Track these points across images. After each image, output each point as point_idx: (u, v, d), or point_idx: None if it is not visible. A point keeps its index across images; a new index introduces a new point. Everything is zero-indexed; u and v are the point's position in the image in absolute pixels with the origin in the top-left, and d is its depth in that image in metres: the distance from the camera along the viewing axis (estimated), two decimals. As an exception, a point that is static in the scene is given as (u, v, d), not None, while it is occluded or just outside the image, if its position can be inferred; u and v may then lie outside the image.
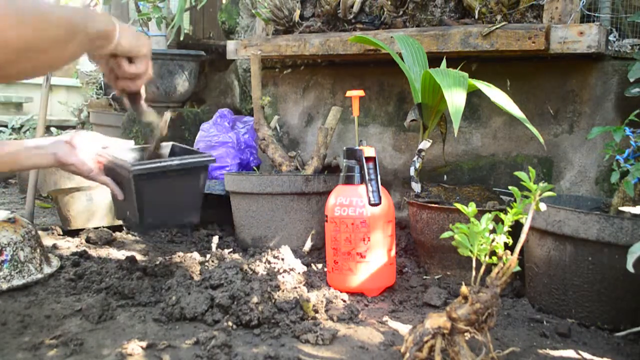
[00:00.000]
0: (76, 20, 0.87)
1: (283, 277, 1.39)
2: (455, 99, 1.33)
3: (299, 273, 1.46)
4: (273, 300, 1.26)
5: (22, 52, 0.76)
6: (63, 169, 1.32)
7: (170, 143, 1.53)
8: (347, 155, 1.47)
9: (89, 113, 3.57)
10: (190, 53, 2.78)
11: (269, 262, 1.47)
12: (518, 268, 0.97)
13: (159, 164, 1.33)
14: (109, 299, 1.27)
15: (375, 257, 1.41)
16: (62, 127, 4.17)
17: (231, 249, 1.76)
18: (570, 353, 1.13)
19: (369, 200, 1.41)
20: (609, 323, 1.24)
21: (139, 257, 1.70)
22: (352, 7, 1.98)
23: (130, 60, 1.08)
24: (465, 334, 0.96)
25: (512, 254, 0.97)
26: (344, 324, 1.23)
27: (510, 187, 1.03)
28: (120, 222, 2.01)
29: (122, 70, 1.08)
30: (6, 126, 4.27)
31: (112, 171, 1.35)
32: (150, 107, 1.28)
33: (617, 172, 1.32)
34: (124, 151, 1.45)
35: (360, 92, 1.58)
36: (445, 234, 1.05)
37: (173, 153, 1.50)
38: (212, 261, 1.56)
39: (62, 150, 1.29)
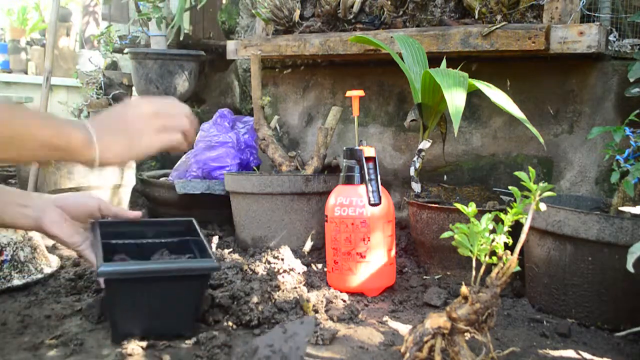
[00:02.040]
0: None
1: (283, 277, 1.39)
2: (455, 99, 1.33)
3: (299, 273, 1.46)
4: (273, 300, 1.26)
5: None
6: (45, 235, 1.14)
7: (186, 220, 1.30)
8: (347, 155, 1.47)
9: (89, 113, 3.57)
10: (190, 53, 2.78)
11: (269, 262, 1.47)
12: (518, 268, 0.97)
13: (137, 267, 1.08)
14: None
15: (375, 257, 1.41)
16: (62, 127, 4.16)
17: (231, 249, 1.76)
18: (570, 353, 1.13)
19: (369, 200, 1.41)
20: (609, 323, 1.24)
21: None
22: (352, 7, 1.98)
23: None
24: (465, 334, 0.96)
25: (512, 254, 0.97)
26: (344, 324, 1.23)
27: (510, 187, 1.03)
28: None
29: None
30: (6, 126, 4.26)
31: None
32: None
33: (617, 172, 1.32)
34: (126, 224, 1.25)
35: (360, 92, 1.58)
36: (445, 234, 1.05)
37: (186, 232, 1.27)
38: (212, 261, 1.56)
39: (48, 217, 1.12)
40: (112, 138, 0.97)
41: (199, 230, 1.24)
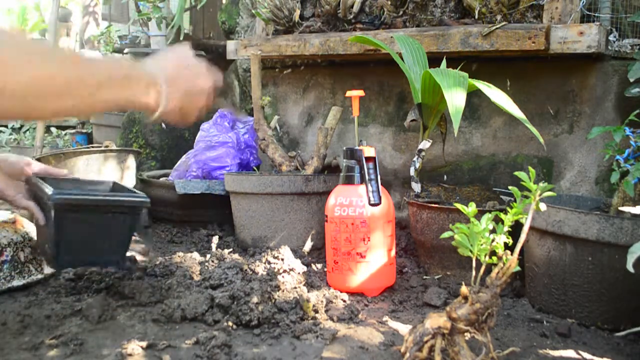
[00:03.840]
0: (74, 81, 0.81)
1: (283, 277, 1.39)
2: (455, 99, 1.33)
3: (299, 273, 1.46)
4: (273, 300, 1.26)
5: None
6: None
7: (111, 181, 1.50)
8: (347, 155, 1.47)
9: (89, 113, 3.56)
10: (190, 53, 2.78)
11: (269, 262, 1.47)
12: (518, 268, 0.97)
13: (84, 196, 1.25)
14: (109, 299, 1.27)
15: (375, 257, 1.41)
16: (62, 127, 4.17)
17: (231, 249, 1.76)
18: (570, 353, 1.13)
19: (369, 200, 1.41)
20: (609, 323, 1.24)
21: (139, 257, 1.70)
22: (352, 7, 1.98)
23: None
24: (465, 334, 0.96)
25: (512, 254, 0.97)
26: (344, 324, 1.23)
27: (510, 187, 1.03)
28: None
29: None
30: (6, 126, 4.27)
31: (38, 197, 1.28)
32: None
33: (617, 172, 1.32)
34: (60, 181, 1.38)
35: (360, 92, 1.58)
36: (445, 234, 1.05)
37: (113, 191, 1.44)
38: (212, 261, 1.56)
39: None
40: (178, 100, 0.98)
41: (126, 187, 1.43)
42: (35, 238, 1.49)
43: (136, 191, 1.36)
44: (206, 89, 1.04)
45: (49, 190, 1.19)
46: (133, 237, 1.37)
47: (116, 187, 1.46)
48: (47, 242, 1.27)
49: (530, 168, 0.99)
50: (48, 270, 1.49)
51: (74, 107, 0.83)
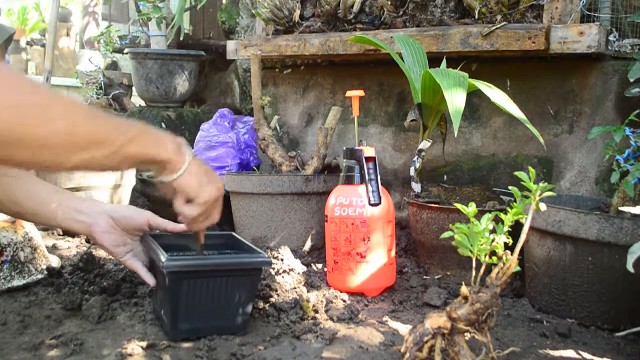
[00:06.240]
0: (102, 133, 0.81)
1: (283, 277, 1.39)
2: (455, 99, 1.33)
3: (298, 273, 1.46)
4: (272, 301, 1.26)
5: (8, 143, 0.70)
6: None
7: (228, 232, 1.37)
8: (347, 155, 1.47)
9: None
10: (190, 53, 2.78)
11: (269, 262, 1.47)
12: (518, 268, 0.97)
13: (199, 262, 1.14)
14: (109, 299, 1.27)
15: (375, 257, 1.41)
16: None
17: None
18: (570, 353, 1.13)
19: (369, 200, 1.41)
20: (609, 323, 1.24)
21: (139, 257, 1.70)
22: (352, 7, 1.98)
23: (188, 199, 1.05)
24: (465, 334, 0.96)
25: (512, 254, 0.97)
26: (344, 324, 1.23)
27: (510, 187, 1.03)
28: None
29: (174, 204, 1.06)
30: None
31: (152, 257, 1.19)
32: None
33: (617, 172, 1.32)
34: (172, 237, 1.28)
35: (360, 92, 1.58)
36: (445, 234, 1.05)
37: (226, 245, 1.33)
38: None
39: (100, 226, 1.17)
40: (196, 174, 1.02)
41: (243, 240, 1.28)
42: (35, 238, 1.49)
43: (255, 247, 1.23)
44: (214, 194, 1.06)
45: (162, 257, 1.09)
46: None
47: (233, 241, 1.32)
48: (162, 307, 1.18)
49: (530, 168, 0.99)
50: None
51: (95, 159, 0.82)
